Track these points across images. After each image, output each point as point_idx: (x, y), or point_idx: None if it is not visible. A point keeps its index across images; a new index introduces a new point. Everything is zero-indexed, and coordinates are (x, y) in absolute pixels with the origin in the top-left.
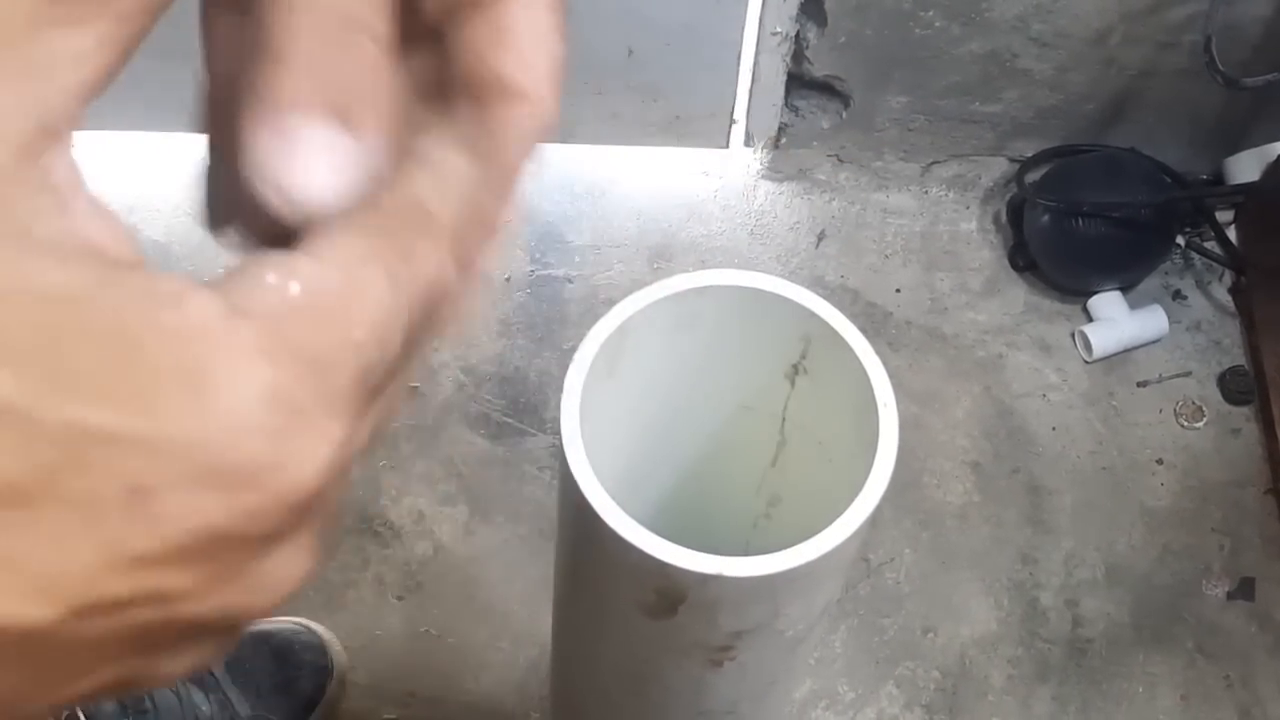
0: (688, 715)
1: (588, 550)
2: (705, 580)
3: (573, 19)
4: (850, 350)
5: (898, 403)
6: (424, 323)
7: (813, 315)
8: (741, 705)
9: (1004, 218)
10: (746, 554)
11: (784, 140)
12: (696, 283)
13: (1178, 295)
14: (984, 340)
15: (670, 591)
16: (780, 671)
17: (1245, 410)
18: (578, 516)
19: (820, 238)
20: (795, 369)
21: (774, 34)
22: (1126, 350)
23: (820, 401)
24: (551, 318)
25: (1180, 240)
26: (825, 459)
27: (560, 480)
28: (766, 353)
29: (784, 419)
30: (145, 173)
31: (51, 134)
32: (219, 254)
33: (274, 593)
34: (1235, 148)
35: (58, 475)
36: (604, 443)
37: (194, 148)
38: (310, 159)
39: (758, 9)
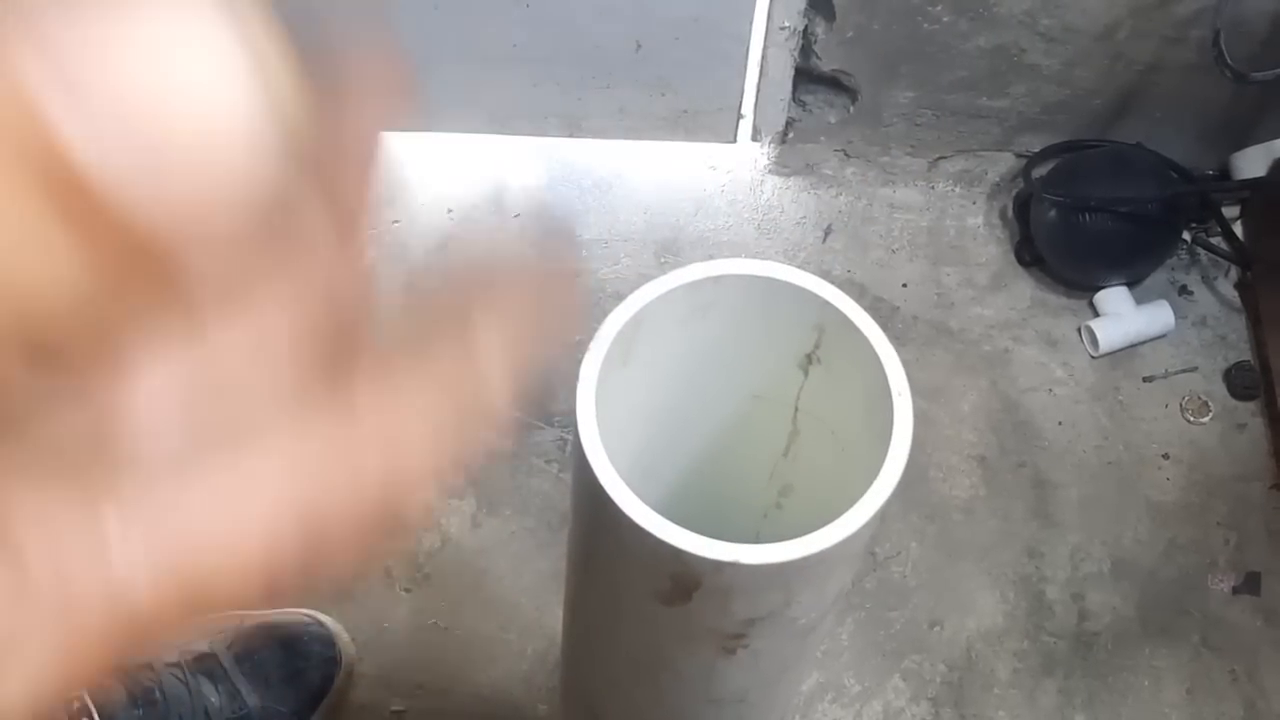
0: (699, 703)
1: (602, 537)
2: (720, 567)
3: (581, 12)
4: (864, 339)
5: None
6: None
7: (827, 304)
8: (752, 693)
9: (1010, 213)
10: (757, 543)
11: (791, 135)
12: (711, 271)
13: (1184, 290)
14: (990, 335)
15: (684, 578)
16: (792, 660)
17: (1251, 405)
18: (592, 504)
19: (827, 232)
20: (809, 358)
21: (782, 28)
22: (1132, 345)
23: (834, 391)
24: None
25: (1186, 236)
26: (838, 449)
27: (574, 468)
28: (780, 342)
29: (797, 408)
30: None
31: None
32: None
33: None
34: (1242, 143)
35: None
36: (616, 432)
37: None
38: None
39: (766, 3)
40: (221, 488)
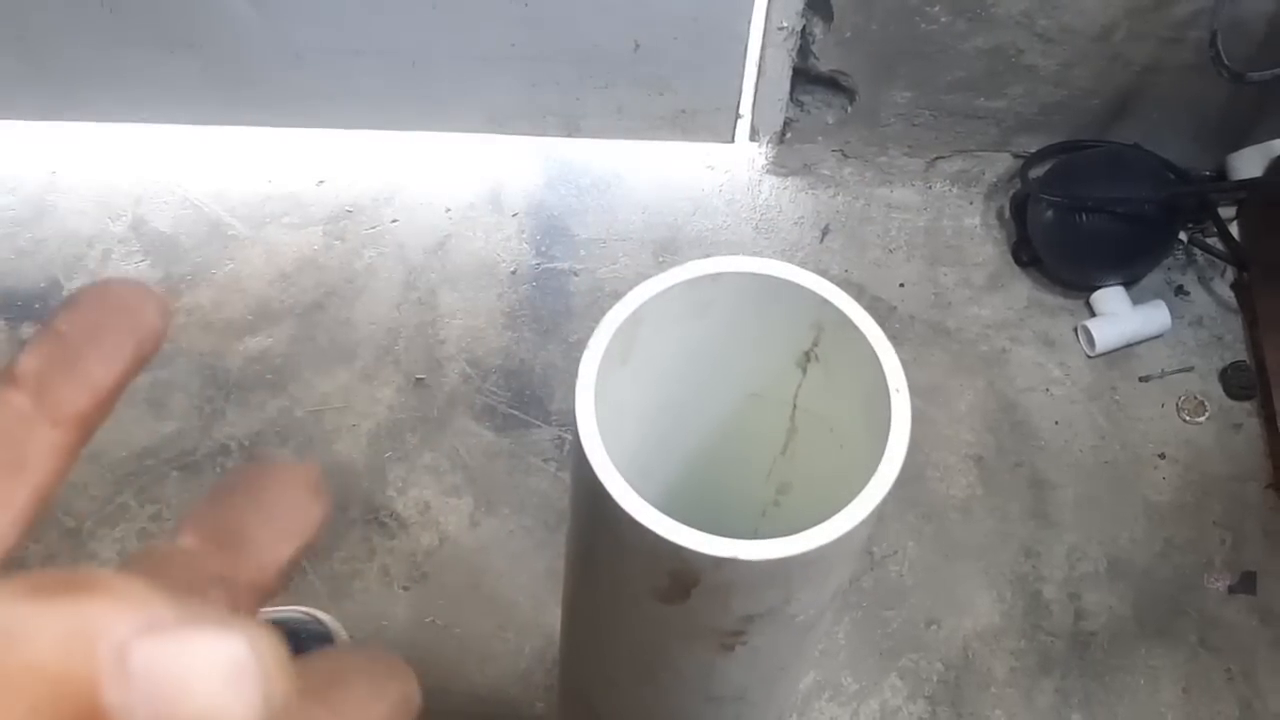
0: (698, 701)
1: (601, 535)
2: (719, 563)
3: (579, 12)
4: (862, 337)
5: None
6: None
7: (825, 302)
8: (751, 691)
9: (1008, 213)
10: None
11: (789, 135)
12: (710, 269)
13: (1180, 290)
14: (987, 335)
15: (684, 575)
16: (790, 657)
17: (1247, 405)
18: (591, 501)
19: (825, 232)
20: (807, 356)
21: (780, 29)
22: (1129, 345)
23: (832, 388)
24: (557, 310)
25: (1183, 236)
26: (836, 446)
27: (573, 465)
28: (778, 340)
29: (795, 406)
30: (152, 164)
31: None
32: (225, 246)
33: None
34: (1239, 143)
35: None
36: (616, 429)
37: (201, 139)
38: None
39: (764, 3)
40: None
